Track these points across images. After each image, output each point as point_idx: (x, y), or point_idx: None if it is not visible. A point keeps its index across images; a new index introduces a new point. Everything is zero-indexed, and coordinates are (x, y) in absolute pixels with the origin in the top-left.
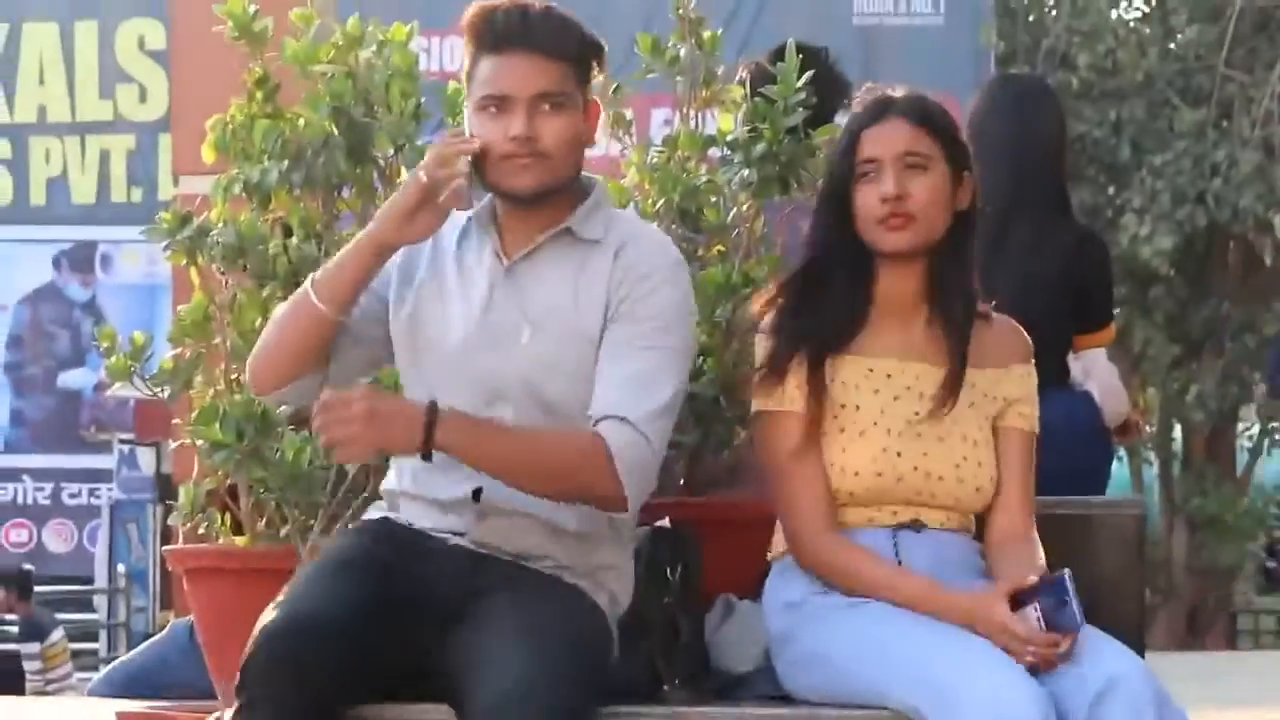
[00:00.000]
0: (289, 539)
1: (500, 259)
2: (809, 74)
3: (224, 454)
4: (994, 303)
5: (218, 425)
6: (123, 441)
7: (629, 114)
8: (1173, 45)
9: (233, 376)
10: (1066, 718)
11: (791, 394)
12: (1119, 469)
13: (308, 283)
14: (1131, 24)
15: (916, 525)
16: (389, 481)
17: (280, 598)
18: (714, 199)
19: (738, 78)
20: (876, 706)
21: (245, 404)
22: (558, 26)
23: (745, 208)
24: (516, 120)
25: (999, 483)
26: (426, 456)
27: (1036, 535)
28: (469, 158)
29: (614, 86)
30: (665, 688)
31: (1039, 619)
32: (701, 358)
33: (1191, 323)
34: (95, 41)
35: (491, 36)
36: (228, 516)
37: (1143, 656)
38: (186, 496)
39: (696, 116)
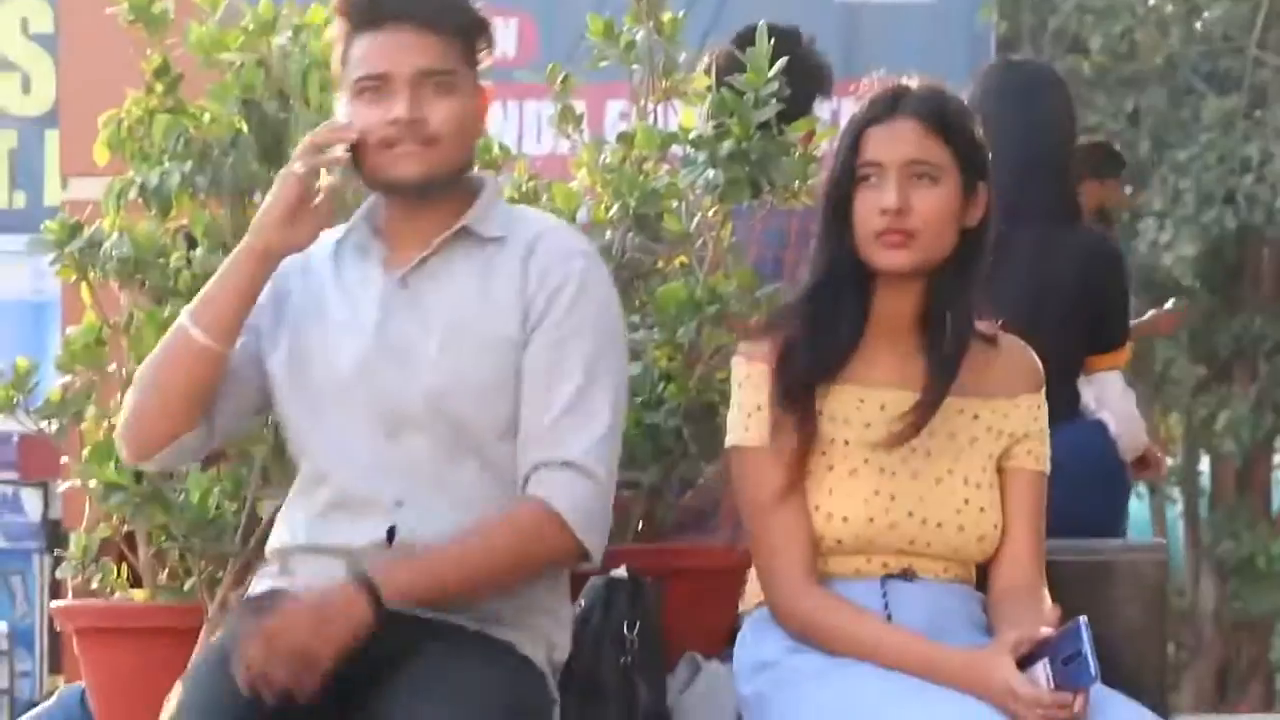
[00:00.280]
0: (194, 593)
1: (389, 270)
2: (782, 61)
3: (120, 496)
4: (999, 322)
5: (112, 464)
6: (4, 482)
7: (580, 107)
8: (1198, 25)
9: None
10: None
11: (774, 427)
12: (1138, 508)
13: (183, 316)
14: (1151, 1)
15: (909, 575)
16: (279, 538)
17: (172, 708)
18: (675, 204)
19: (701, 66)
20: None
21: None
22: None
23: (711, 214)
24: (399, 101)
25: (1005, 530)
26: (380, 614)
27: (1045, 588)
28: (346, 147)
29: (563, 76)
30: None
31: (1048, 678)
32: (663, 384)
33: (1220, 341)
34: None
35: (368, 10)
36: (124, 568)
37: None
38: (78, 545)
39: (655, 110)
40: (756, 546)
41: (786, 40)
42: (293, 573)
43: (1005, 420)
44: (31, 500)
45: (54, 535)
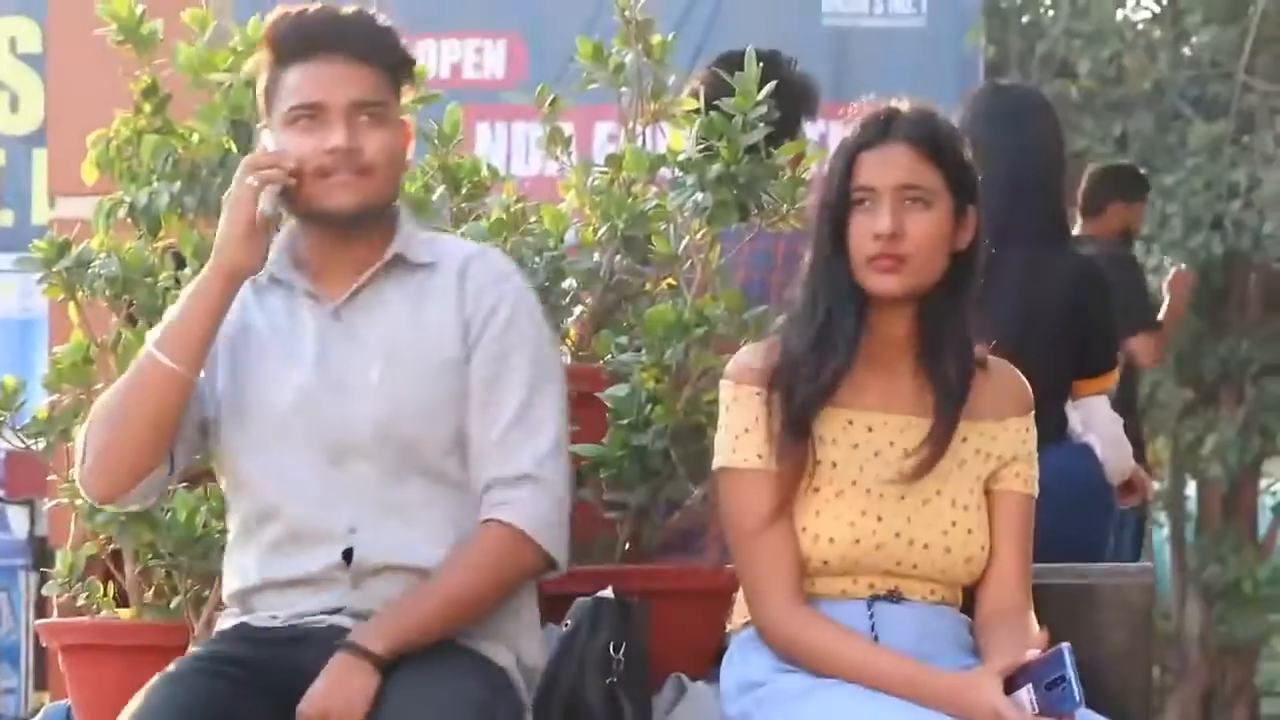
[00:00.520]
0: (180, 611)
1: (320, 302)
2: (771, 85)
3: (106, 515)
4: (991, 344)
5: None
6: None
7: (568, 129)
8: (1186, 50)
9: None
10: None
11: (764, 449)
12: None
13: (148, 345)
14: (1139, 25)
15: (895, 596)
16: (232, 585)
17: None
18: (664, 226)
19: (688, 89)
20: None
21: None
22: (374, 31)
23: (699, 236)
24: (335, 131)
25: (991, 553)
26: (380, 666)
27: (1032, 611)
28: (287, 173)
29: (551, 98)
30: None
31: (1032, 703)
32: (649, 405)
33: (1206, 365)
34: None
35: (301, 41)
36: (110, 586)
37: None
38: (64, 563)
39: (644, 132)
40: (743, 568)
41: (771, 62)
42: (253, 610)
43: (993, 443)
44: (17, 518)
45: (40, 553)
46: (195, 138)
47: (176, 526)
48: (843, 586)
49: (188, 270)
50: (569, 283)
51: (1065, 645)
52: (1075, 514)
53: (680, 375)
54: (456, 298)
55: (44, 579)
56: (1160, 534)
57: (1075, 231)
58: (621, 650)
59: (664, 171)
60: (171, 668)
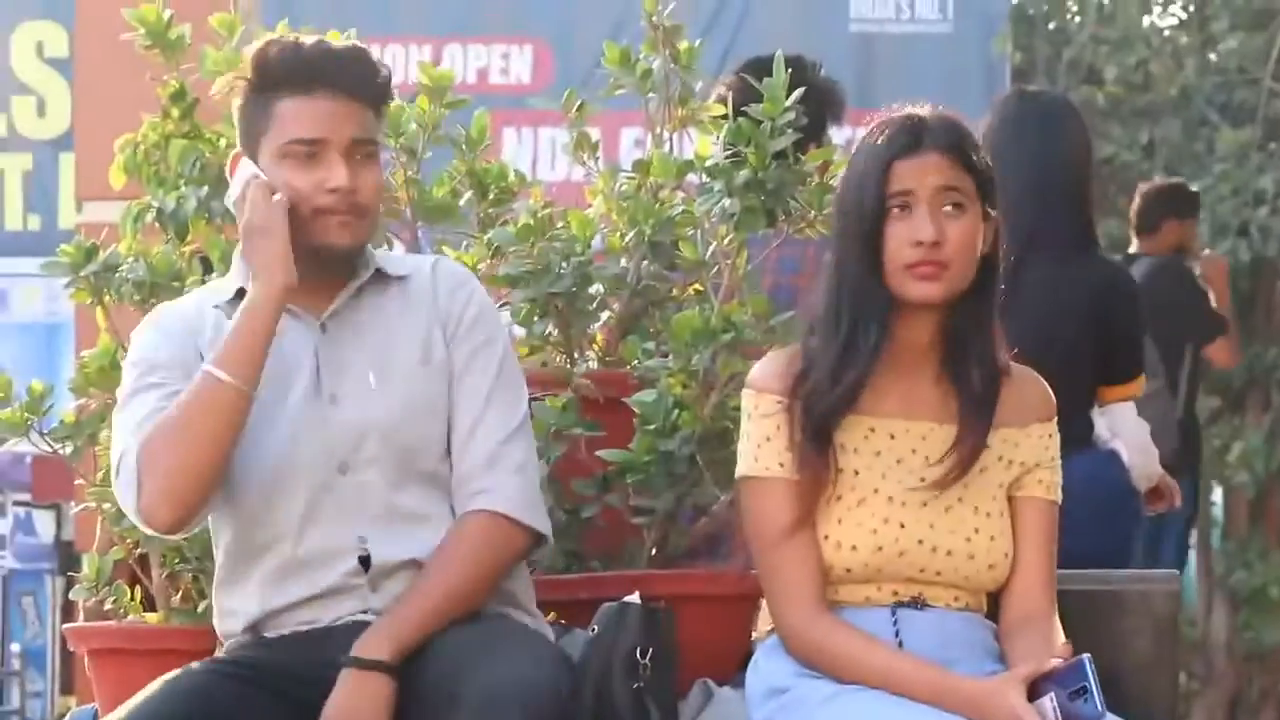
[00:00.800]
0: (206, 616)
1: (306, 321)
2: (799, 90)
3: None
4: (1013, 351)
5: None
6: (18, 504)
7: (595, 134)
8: (1213, 56)
9: None
10: None
11: (786, 457)
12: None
13: (210, 368)
14: (1166, 32)
15: (919, 603)
16: (237, 619)
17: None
18: (691, 232)
19: (715, 94)
20: None
21: None
22: (369, 67)
23: (726, 242)
24: (337, 170)
25: (1015, 559)
26: (392, 671)
27: (1056, 617)
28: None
29: (578, 104)
30: None
31: (1055, 709)
32: (676, 411)
33: (1233, 372)
34: None
35: (301, 74)
36: (137, 590)
37: None
38: (91, 567)
39: (671, 138)
40: (766, 576)
41: (796, 68)
42: (264, 633)
43: (1016, 449)
44: (44, 522)
45: (66, 557)
46: (223, 142)
47: (203, 532)
48: (866, 594)
49: (214, 275)
50: (596, 288)
51: (1086, 656)
52: (1102, 520)
53: (707, 381)
54: (432, 301)
55: (70, 583)
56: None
57: (1131, 249)
58: (648, 655)
59: (691, 177)
60: (176, 671)
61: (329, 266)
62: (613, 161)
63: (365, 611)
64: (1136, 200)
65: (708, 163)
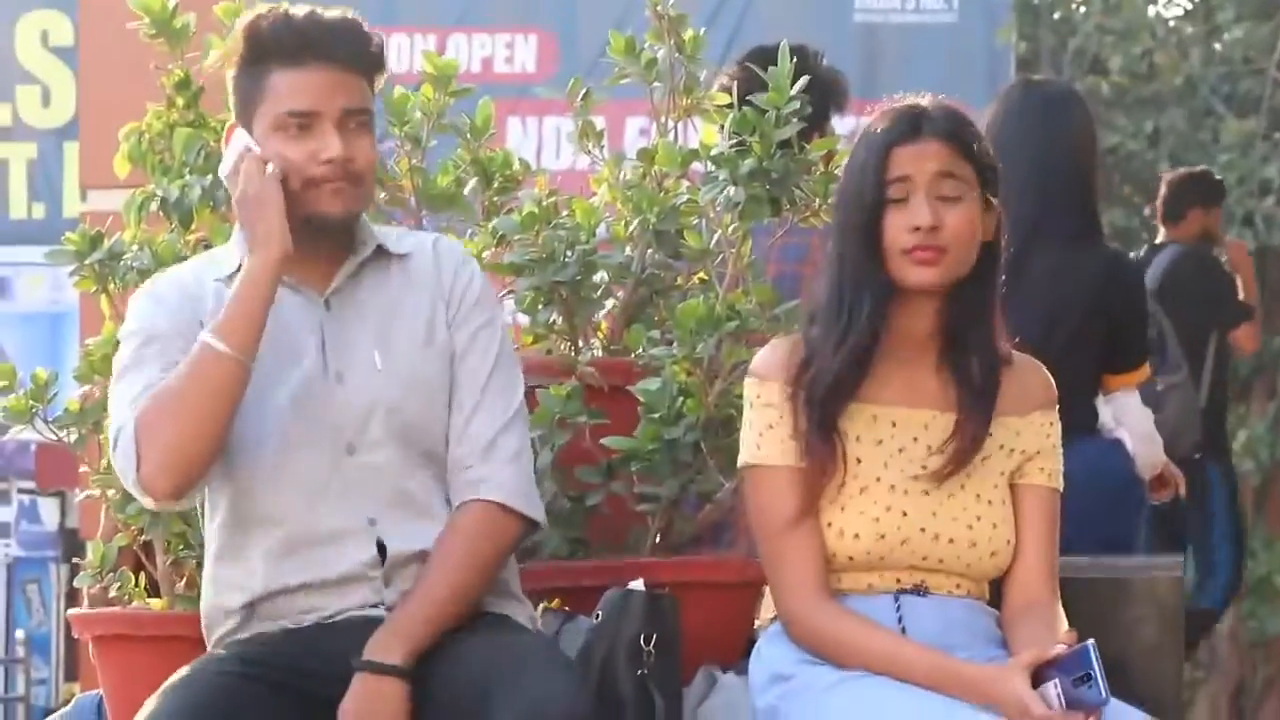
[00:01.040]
0: None
1: (309, 297)
2: (804, 79)
3: (138, 505)
4: (1015, 340)
5: None
6: (22, 491)
7: (600, 123)
8: (1218, 46)
9: None
10: None
11: (789, 445)
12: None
13: (208, 338)
14: (1171, 22)
15: (922, 590)
16: (235, 594)
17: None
18: (696, 221)
19: (719, 83)
20: None
21: None
22: (362, 37)
23: (731, 231)
24: (331, 140)
25: (1017, 547)
26: (406, 674)
27: (1060, 604)
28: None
29: (584, 93)
30: None
31: (1059, 695)
32: (681, 399)
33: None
34: None
35: (292, 45)
36: (142, 577)
37: None
38: (95, 554)
39: (676, 127)
40: (770, 563)
41: (799, 57)
42: (261, 619)
43: (1017, 437)
44: (49, 509)
45: (71, 544)
46: None
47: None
48: (869, 581)
49: None
50: (600, 276)
51: (1090, 642)
52: (1106, 508)
53: (711, 369)
54: (435, 279)
55: (75, 570)
56: None
57: (1159, 239)
58: (652, 642)
59: (696, 166)
60: (186, 670)
61: (325, 238)
62: (617, 150)
63: (375, 605)
64: (1162, 189)
65: (712, 152)
